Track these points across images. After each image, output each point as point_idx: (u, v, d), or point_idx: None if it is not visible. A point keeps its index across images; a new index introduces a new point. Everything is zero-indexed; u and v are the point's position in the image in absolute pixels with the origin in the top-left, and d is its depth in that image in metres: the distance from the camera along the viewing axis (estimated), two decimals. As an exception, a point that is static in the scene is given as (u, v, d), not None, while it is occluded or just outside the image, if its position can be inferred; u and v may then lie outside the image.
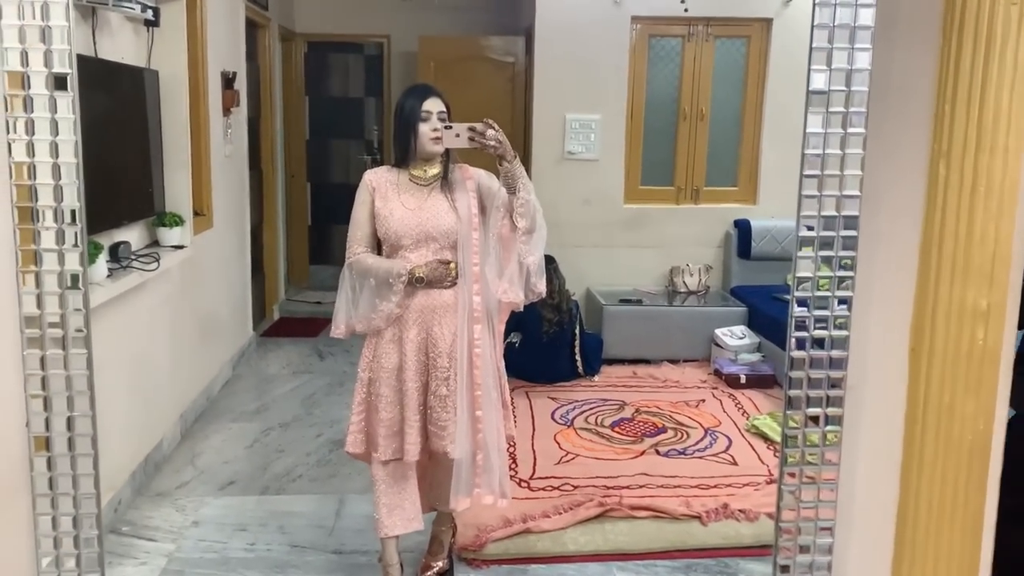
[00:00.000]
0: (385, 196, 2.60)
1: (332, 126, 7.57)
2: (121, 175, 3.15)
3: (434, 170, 2.62)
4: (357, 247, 2.62)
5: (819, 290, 1.28)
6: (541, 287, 2.69)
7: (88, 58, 2.88)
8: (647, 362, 5.34)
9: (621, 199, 5.75)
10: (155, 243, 3.53)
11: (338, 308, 2.64)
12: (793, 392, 1.31)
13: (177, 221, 3.52)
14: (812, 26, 1.21)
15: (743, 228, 5.65)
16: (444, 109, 2.59)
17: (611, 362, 5.29)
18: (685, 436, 4.17)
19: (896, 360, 1.32)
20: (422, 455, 2.65)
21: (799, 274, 1.28)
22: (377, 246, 2.66)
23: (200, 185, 4.22)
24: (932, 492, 1.32)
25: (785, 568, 1.36)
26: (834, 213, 1.26)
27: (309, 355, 5.50)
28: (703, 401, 4.70)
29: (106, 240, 3.07)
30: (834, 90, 1.23)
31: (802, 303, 1.28)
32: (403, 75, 7.10)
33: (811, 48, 1.23)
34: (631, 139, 5.71)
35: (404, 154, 2.61)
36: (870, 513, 1.36)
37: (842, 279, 1.28)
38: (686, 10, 5.46)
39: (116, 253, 3.11)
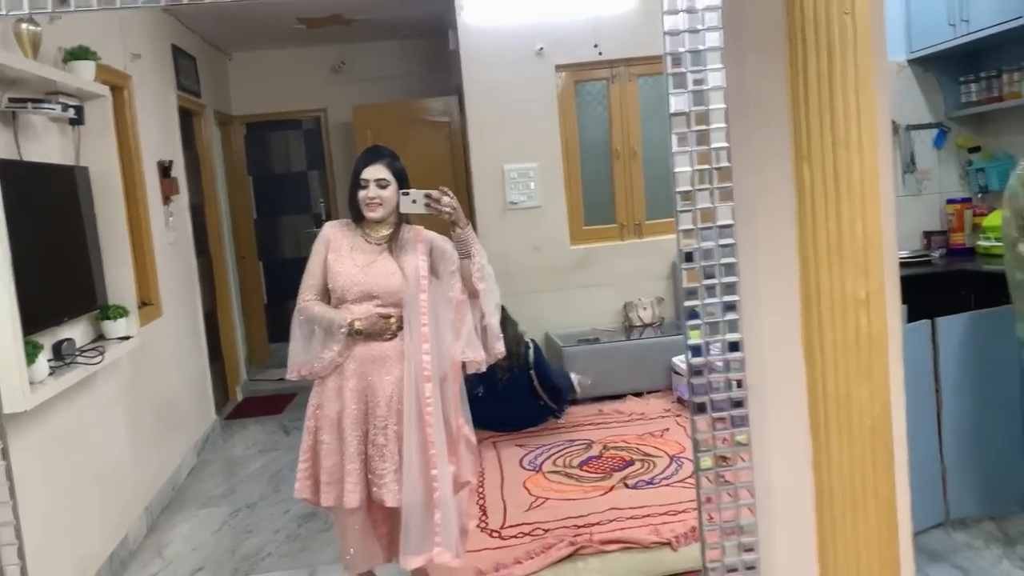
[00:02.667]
0: (339, 251, 2.70)
1: (278, 203, 7.64)
2: (59, 273, 3.17)
3: (385, 231, 2.71)
4: (308, 294, 2.72)
5: (708, 299, 1.34)
6: (500, 348, 2.79)
7: (13, 162, 2.92)
8: (612, 398, 5.39)
9: (567, 241, 5.85)
10: (101, 337, 3.53)
11: (291, 352, 2.75)
12: (698, 399, 1.36)
13: (121, 313, 3.53)
14: (664, 53, 1.30)
15: (688, 256, 5.76)
16: (384, 176, 2.66)
17: (576, 402, 5.33)
18: (652, 466, 4.20)
19: (791, 355, 1.38)
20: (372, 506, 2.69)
21: (685, 285, 1.34)
22: (328, 294, 2.75)
23: (145, 275, 4.24)
24: (843, 478, 1.38)
25: (713, 571, 1.39)
26: (710, 224, 1.33)
27: (274, 432, 5.47)
28: (667, 430, 4.75)
29: (49, 339, 3.07)
30: (693, 110, 1.32)
31: (693, 314, 1.34)
32: (343, 145, 7.21)
33: (667, 74, 1.31)
34: (570, 182, 5.83)
35: (354, 215, 2.73)
36: (790, 506, 1.41)
37: (727, 285, 1.35)
38: (600, 53, 5.64)
39: (60, 351, 3.11)
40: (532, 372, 4.93)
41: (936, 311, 3.10)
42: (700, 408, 1.35)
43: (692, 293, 1.33)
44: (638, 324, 5.79)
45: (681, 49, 1.29)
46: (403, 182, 2.68)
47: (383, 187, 2.65)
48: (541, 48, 5.63)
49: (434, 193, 2.57)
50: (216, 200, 6.46)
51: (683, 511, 3.59)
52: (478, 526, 3.63)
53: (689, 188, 1.31)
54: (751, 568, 1.40)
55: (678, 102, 1.31)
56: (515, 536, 3.51)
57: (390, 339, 2.66)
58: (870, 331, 1.35)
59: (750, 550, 1.40)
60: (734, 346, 1.36)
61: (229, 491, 4.49)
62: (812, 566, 1.42)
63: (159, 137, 4.85)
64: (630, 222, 5.93)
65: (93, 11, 1.36)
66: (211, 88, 6.43)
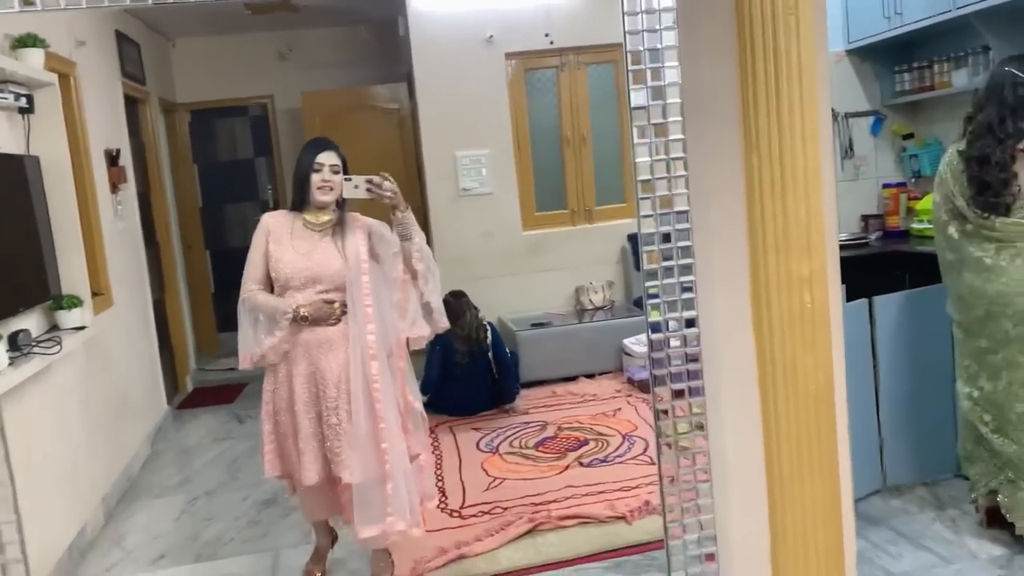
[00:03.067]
0: (279, 239, 2.82)
1: (225, 191, 7.56)
2: (11, 263, 3.14)
3: (326, 217, 2.84)
4: (251, 284, 2.85)
5: (666, 279, 1.44)
6: (444, 323, 2.95)
7: (-36, 152, 2.89)
8: (565, 380, 5.51)
9: (520, 227, 5.95)
10: (54, 327, 3.50)
11: (240, 342, 2.88)
12: (657, 371, 1.46)
13: (75, 303, 3.50)
14: (625, 51, 1.39)
15: (636, 242, 5.91)
16: (337, 163, 2.82)
17: (530, 384, 5.44)
18: (606, 445, 4.33)
19: (742, 330, 1.49)
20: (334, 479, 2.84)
21: (646, 267, 1.44)
22: (270, 284, 2.86)
23: (95, 265, 4.20)
24: (790, 441, 1.50)
25: (673, 531, 1.50)
26: (668, 210, 1.43)
27: (228, 421, 5.46)
28: (619, 410, 4.88)
29: (3, 329, 3.05)
30: (651, 105, 1.41)
31: (653, 294, 1.44)
32: (290, 132, 7.17)
33: (628, 71, 1.40)
34: (521, 169, 5.92)
35: (299, 201, 2.85)
36: (742, 469, 1.52)
37: (684, 267, 1.45)
38: (551, 43, 5.73)
39: (16, 341, 3.08)
40: (490, 355, 5.02)
41: (873, 291, 3.27)
42: (659, 380, 1.45)
43: (652, 275, 1.43)
44: (589, 307, 5.92)
45: (640, 47, 1.38)
46: (346, 170, 2.83)
47: (336, 172, 2.81)
48: (491, 35, 5.69)
49: (375, 179, 2.71)
50: (163, 188, 6.38)
51: (636, 487, 3.73)
52: (438, 506, 3.71)
53: (649, 177, 1.41)
54: (707, 527, 1.52)
55: (638, 97, 1.40)
56: (475, 515, 3.60)
57: (335, 323, 2.79)
58: (813, 306, 1.47)
59: (707, 511, 1.51)
60: (690, 323, 1.47)
61: (185, 480, 4.48)
62: (763, 523, 1.54)
63: (105, 125, 4.79)
64: (581, 208, 6.05)
65: (60, 11, 1.38)
66: (155, 75, 6.34)
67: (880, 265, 4.37)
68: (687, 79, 1.43)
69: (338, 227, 2.83)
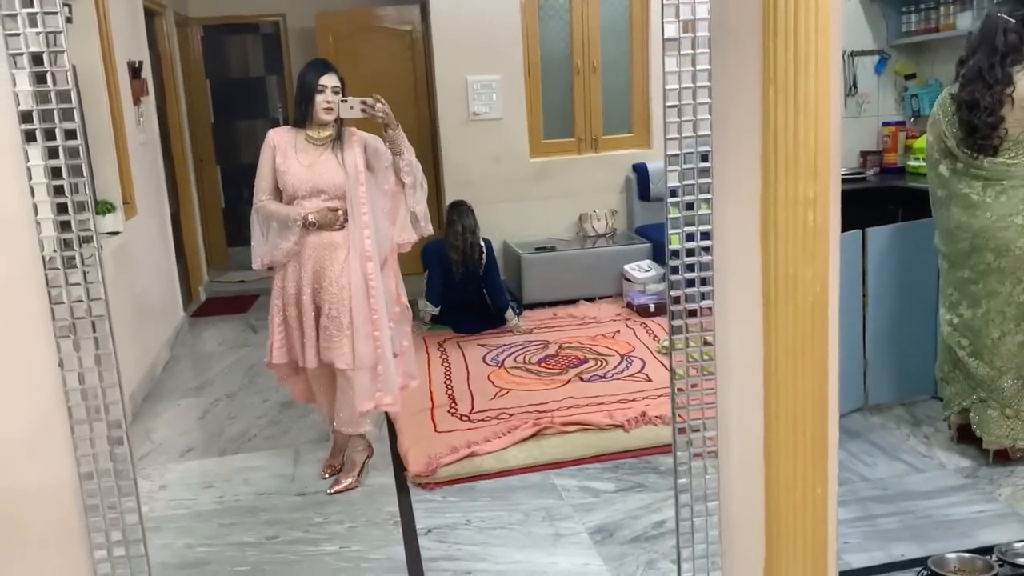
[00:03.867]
0: (285, 153, 3.11)
1: (236, 108, 7.65)
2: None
3: (327, 133, 3.13)
4: (262, 195, 3.19)
5: (687, 196, 1.64)
6: (428, 229, 3.35)
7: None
8: (566, 303, 5.74)
9: (527, 154, 6.08)
10: (89, 231, 3.68)
11: (253, 246, 3.26)
12: (674, 277, 1.67)
13: (109, 208, 3.68)
14: (661, -13, 1.55)
15: (641, 172, 6.07)
16: (338, 84, 3.09)
17: (532, 306, 5.67)
18: (604, 364, 4.58)
19: (750, 244, 1.69)
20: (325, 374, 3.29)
21: (670, 185, 1.63)
22: (279, 194, 3.18)
23: (122, 174, 4.35)
24: (787, 344, 1.71)
25: (681, 417, 1.73)
26: (691, 134, 1.61)
27: (243, 330, 5.69)
28: (618, 332, 5.12)
29: (46, 231, 3.23)
30: (683, 37, 1.58)
31: (674, 204, 1.64)
32: (302, 51, 7.20)
33: (663, 4, 1.57)
34: (531, 96, 6.03)
35: (302, 119, 3.13)
36: (743, 367, 1.74)
37: (703, 186, 1.64)
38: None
39: (57, 242, 3.26)
40: (481, 272, 5.22)
41: (868, 223, 3.47)
42: (675, 285, 1.66)
43: (674, 191, 1.62)
44: (592, 235, 6.11)
45: (675, -16, 1.54)
46: (344, 91, 3.12)
47: (336, 92, 3.08)
48: (506, -40, 5.73)
49: (369, 100, 2.99)
50: (178, 103, 6.47)
51: (633, 400, 3.98)
52: (449, 411, 3.98)
53: (676, 103, 1.59)
54: (710, 418, 1.75)
55: (670, 29, 1.57)
56: (483, 420, 3.86)
57: (339, 229, 3.13)
58: (815, 224, 1.67)
59: (711, 402, 1.74)
60: (705, 235, 1.67)
61: (206, 383, 4.73)
62: (759, 414, 1.76)
63: (129, 38, 4.87)
64: (588, 137, 6.18)
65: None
66: (170, -13, 6.37)
67: (876, 199, 4.56)
68: (715, 14, 1.59)
69: (337, 142, 3.11)
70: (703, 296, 1.69)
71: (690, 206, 1.66)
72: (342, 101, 3.03)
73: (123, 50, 4.66)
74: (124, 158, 4.40)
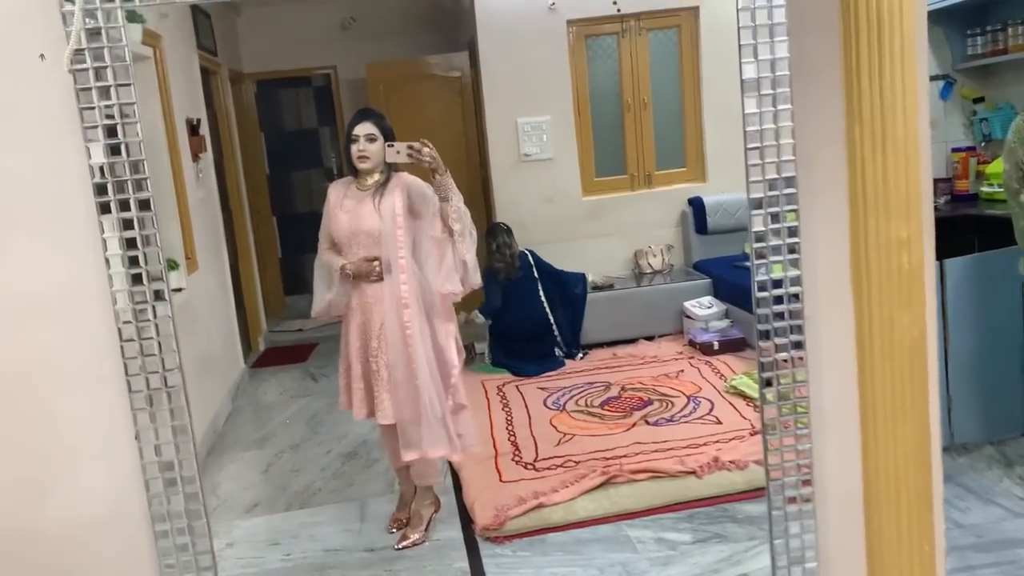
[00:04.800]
0: (335, 204, 3.15)
1: (290, 159, 7.78)
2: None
3: (372, 180, 3.11)
4: (323, 244, 3.23)
5: (773, 240, 1.56)
6: (476, 280, 3.22)
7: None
8: (625, 342, 5.64)
9: (579, 193, 6.05)
10: (154, 289, 3.73)
11: (315, 293, 3.27)
12: (762, 326, 1.59)
13: (173, 266, 3.72)
14: (738, 28, 1.50)
15: (697, 206, 5.98)
16: (372, 131, 3.08)
17: (591, 347, 5.59)
18: (670, 405, 4.46)
19: (841, 289, 1.61)
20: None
21: (754, 229, 1.56)
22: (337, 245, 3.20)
23: (184, 230, 4.42)
24: (884, 392, 1.61)
25: (775, 474, 1.64)
26: (775, 176, 1.54)
27: (302, 379, 5.70)
28: (682, 371, 5.00)
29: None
30: (762, 77, 1.52)
31: (760, 255, 1.56)
32: (353, 102, 7.31)
33: (739, 45, 1.51)
34: (581, 135, 6.01)
35: (348, 168, 3.17)
36: (838, 417, 1.64)
37: (790, 230, 1.57)
38: (619, 10, 5.78)
39: (124, 302, 3.31)
40: (535, 271, 5.41)
41: (943, 254, 3.34)
42: (764, 335, 1.58)
43: (760, 237, 1.55)
44: (648, 271, 6.02)
45: (752, 23, 1.48)
46: (389, 137, 3.08)
47: (371, 141, 3.05)
48: (553, 3, 5.75)
49: (415, 144, 2.97)
50: (234, 157, 6.59)
51: (704, 444, 3.86)
52: (513, 459, 3.90)
53: (758, 145, 1.52)
54: (806, 471, 1.65)
55: (748, 70, 1.51)
56: (548, 468, 3.77)
57: (377, 280, 3.08)
58: (910, 266, 1.58)
59: (805, 455, 1.64)
60: (794, 281, 1.59)
61: (269, 434, 4.73)
62: (856, 471, 1.66)
63: (186, 96, 4.98)
64: (641, 173, 6.12)
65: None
66: (224, 46, 6.52)
67: (949, 228, 4.40)
68: (795, 53, 1.53)
69: (381, 188, 3.08)
70: (795, 345, 1.60)
71: (776, 250, 1.58)
72: (388, 146, 3.01)
73: (182, 109, 4.76)
74: (185, 215, 4.47)
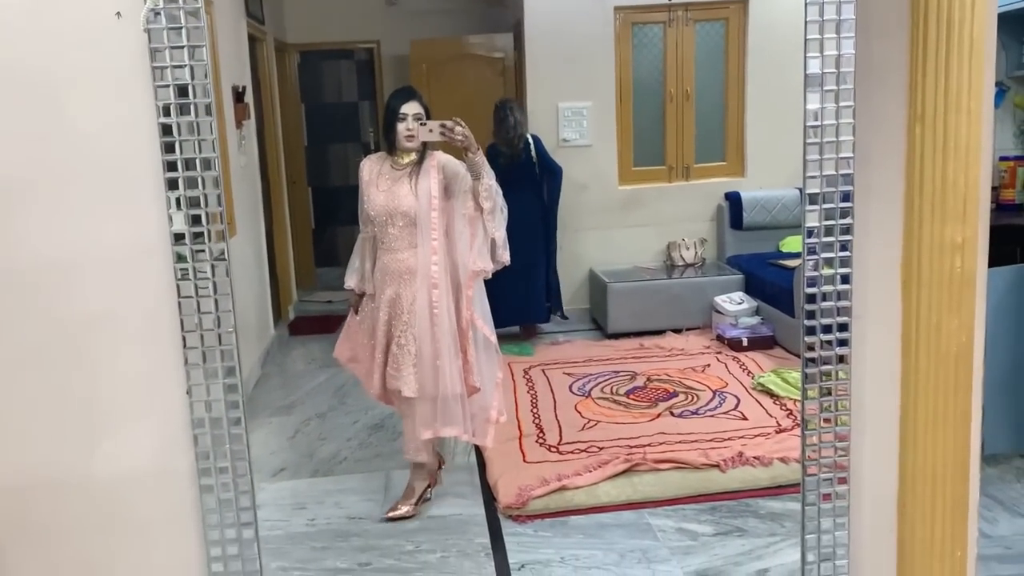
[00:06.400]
0: (370, 182, 3.18)
1: (329, 131, 7.82)
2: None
3: (410, 158, 3.14)
4: (364, 226, 3.26)
5: (825, 237, 1.56)
6: (505, 257, 3.23)
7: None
8: (652, 333, 5.64)
9: (616, 182, 6.04)
10: (194, 251, 3.78)
11: (349, 264, 3.38)
12: (809, 322, 1.59)
13: (214, 229, 3.77)
14: (805, 21, 1.49)
15: (734, 200, 5.95)
16: (420, 111, 3.10)
17: (618, 336, 5.59)
18: (696, 398, 4.46)
19: (891, 290, 1.60)
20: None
21: (808, 225, 1.56)
22: None
23: (226, 194, 4.47)
24: (927, 396, 1.61)
25: (811, 470, 1.64)
26: (833, 172, 1.54)
27: (330, 350, 5.64)
28: (708, 366, 5.00)
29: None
30: (826, 72, 1.52)
31: (812, 251, 1.56)
32: (395, 78, 7.33)
33: (805, 40, 1.51)
34: (621, 123, 5.99)
35: (389, 146, 3.18)
36: (878, 416, 1.65)
37: (843, 227, 1.56)
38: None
39: (166, 262, 3.36)
40: (534, 157, 5.31)
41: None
42: (811, 330, 1.58)
43: (812, 232, 1.55)
44: (680, 264, 6.00)
45: (820, 18, 1.48)
46: (428, 116, 3.12)
47: (418, 119, 3.09)
48: (601, -12, 5.73)
49: (448, 123, 2.99)
50: (275, 126, 6.64)
51: (728, 438, 3.86)
52: (537, 441, 3.92)
53: (818, 140, 1.52)
54: (843, 468, 1.65)
55: (813, 64, 1.50)
56: (572, 452, 3.80)
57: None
58: (963, 271, 1.57)
59: (843, 452, 1.64)
60: (844, 279, 1.59)
61: (297, 402, 4.79)
62: (893, 473, 1.66)
63: (234, 62, 5.03)
64: (679, 164, 6.10)
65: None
66: (271, 15, 6.56)
67: (992, 238, 4.33)
68: (860, 50, 1.52)
69: (417, 167, 3.11)
70: (840, 343, 1.60)
71: (828, 247, 1.58)
72: (421, 124, 3.04)
73: (228, 75, 4.81)
74: (227, 180, 4.52)
